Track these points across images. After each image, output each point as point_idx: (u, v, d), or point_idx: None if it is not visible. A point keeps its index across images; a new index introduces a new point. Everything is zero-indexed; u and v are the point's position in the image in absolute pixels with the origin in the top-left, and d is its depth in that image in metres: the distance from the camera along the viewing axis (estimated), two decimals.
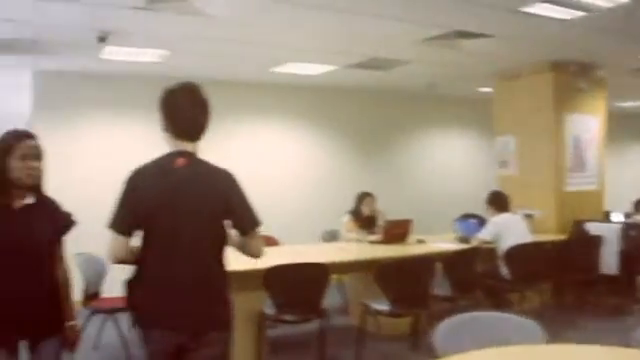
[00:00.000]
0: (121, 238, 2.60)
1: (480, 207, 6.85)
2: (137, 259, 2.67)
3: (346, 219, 7.15)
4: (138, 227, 2.63)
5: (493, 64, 7.86)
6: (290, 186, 9.06)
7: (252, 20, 5.67)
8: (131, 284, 2.71)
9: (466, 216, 7.64)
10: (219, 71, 7.90)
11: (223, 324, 2.74)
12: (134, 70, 7.64)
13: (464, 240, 6.47)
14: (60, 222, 2.94)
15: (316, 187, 9.24)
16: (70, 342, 2.95)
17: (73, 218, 2.98)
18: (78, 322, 3.03)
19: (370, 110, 9.88)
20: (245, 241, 2.79)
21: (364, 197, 7.22)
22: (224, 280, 2.77)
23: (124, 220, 2.61)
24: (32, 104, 7.89)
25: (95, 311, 5.30)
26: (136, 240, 2.67)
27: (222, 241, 2.76)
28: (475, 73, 8.38)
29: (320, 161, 9.46)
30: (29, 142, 2.80)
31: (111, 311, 5.40)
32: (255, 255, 2.85)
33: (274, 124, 9.18)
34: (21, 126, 3.07)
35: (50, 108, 7.72)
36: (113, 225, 2.60)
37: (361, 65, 7.69)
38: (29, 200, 2.82)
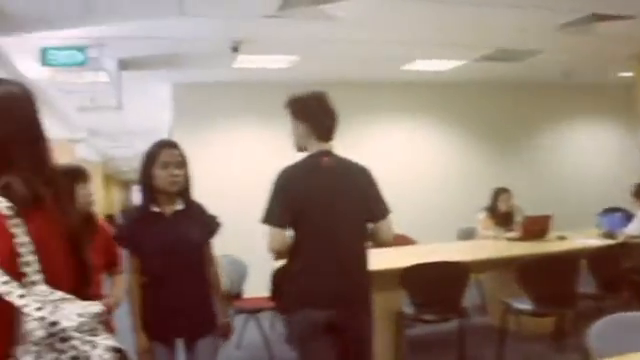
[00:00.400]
0: (278, 230, 2.85)
1: (625, 200, 6.46)
2: (291, 250, 2.90)
3: (482, 216, 6.98)
4: (292, 221, 2.86)
5: (633, 46, 7.38)
6: (423, 185, 8.94)
7: (381, 19, 5.67)
8: (287, 273, 2.96)
9: (610, 210, 7.21)
10: (347, 73, 7.96)
11: (370, 308, 3.05)
12: (265, 77, 7.87)
13: (609, 235, 6.11)
14: (208, 225, 3.08)
15: (449, 185, 9.07)
16: (224, 336, 3.11)
17: (219, 221, 3.12)
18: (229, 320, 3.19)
19: (501, 103, 9.57)
20: (378, 228, 3.05)
21: (500, 193, 7.00)
22: (368, 266, 3.07)
23: (279, 214, 2.87)
24: (172, 116, 8.34)
25: (238, 311, 5.50)
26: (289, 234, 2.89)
27: (365, 230, 3.05)
28: (614, 57, 7.91)
29: (452, 158, 9.28)
30: (171, 151, 2.97)
31: (253, 311, 5.60)
32: (387, 241, 3.12)
33: (404, 123, 9.11)
34: (163, 137, 3.27)
35: (188, 119, 8.11)
36: (270, 220, 2.87)
37: (491, 57, 7.48)
38: (179, 206, 2.97)
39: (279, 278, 2.96)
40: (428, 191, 8.91)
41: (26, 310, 1.26)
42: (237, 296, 5.65)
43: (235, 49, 6.26)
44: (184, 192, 3.00)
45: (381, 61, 7.46)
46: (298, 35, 6.05)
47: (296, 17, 5.32)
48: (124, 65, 6.72)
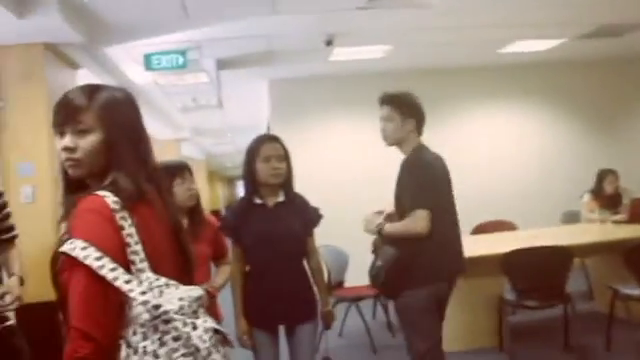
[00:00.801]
0: (428, 214, 3.06)
1: None
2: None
3: (587, 199, 6.75)
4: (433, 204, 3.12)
5: None
6: (525, 169, 8.71)
7: (476, 3, 5.60)
8: (418, 251, 3.14)
9: None
10: (441, 59, 7.90)
11: None
12: (359, 68, 7.93)
13: None
14: (309, 217, 3.18)
15: (552, 168, 8.78)
16: (326, 326, 3.22)
17: (320, 213, 3.22)
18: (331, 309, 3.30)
19: (602, 82, 9.12)
20: None
21: (606, 175, 6.74)
22: None
23: (431, 199, 3.10)
24: (270, 111, 8.57)
25: (339, 300, 5.61)
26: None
27: None
28: None
29: (554, 140, 8.96)
30: (272, 145, 3.08)
31: (355, 299, 5.69)
32: None
33: (502, 107, 8.90)
34: (263, 132, 3.41)
35: (285, 113, 8.31)
36: (425, 204, 3.08)
37: (592, 34, 7.19)
38: (280, 198, 3.10)
39: (397, 264, 3.08)
40: (530, 175, 8.68)
41: (132, 294, 1.39)
42: (339, 285, 5.78)
43: (329, 43, 6.37)
44: (286, 184, 3.11)
45: (477, 45, 7.34)
46: (390, 25, 6.06)
47: (388, 7, 5.35)
48: (222, 65, 6.99)
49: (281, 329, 3.17)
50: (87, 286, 1.37)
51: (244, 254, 3.11)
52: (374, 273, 3.29)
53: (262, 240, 3.04)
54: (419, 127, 3.32)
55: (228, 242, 3.34)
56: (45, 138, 4.48)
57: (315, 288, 3.21)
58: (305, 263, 3.19)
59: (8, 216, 2.98)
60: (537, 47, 7.67)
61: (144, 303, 1.40)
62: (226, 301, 3.34)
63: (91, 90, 1.57)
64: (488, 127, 8.75)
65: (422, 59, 7.61)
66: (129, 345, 1.39)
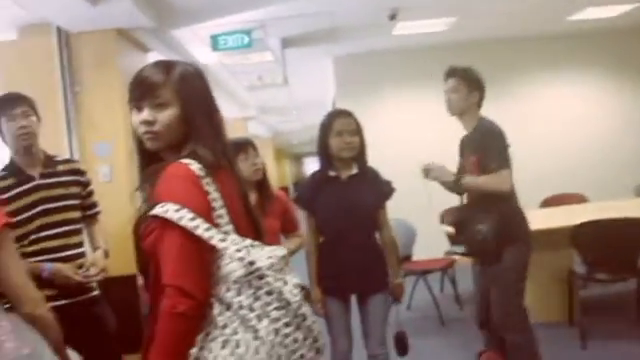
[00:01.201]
0: (511, 175, 3.31)
1: None
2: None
3: None
4: None
5: None
6: (596, 140, 8.44)
7: None
8: (514, 211, 3.43)
9: None
10: (507, 29, 7.73)
11: None
12: (423, 42, 7.87)
13: None
14: (382, 190, 3.25)
15: (625, 139, 8.49)
16: (396, 297, 3.28)
17: (392, 186, 3.28)
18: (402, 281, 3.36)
19: None
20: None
21: None
22: None
23: (509, 159, 3.31)
24: (335, 88, 8.62)
25: (407, 273, 5.65)
26: None
27: None
28: None
29: (627, 110, 8.65)
30: (344, 119, 3.17)
31: (423, 272, 5.73)
32: None
33: (571, 76, 8.63)
34: (329, 109, 3.46)
35: (351, 89, 8.32)
36: (507, 164, 3.30)
37: None
38: (354, 171, 3.18)
39: (501, 224, 3.32)
40: (602, 147, 8.43)
41: (228, 252, 1.48)
42: (406, 259, 5.81)
43: (393, 17, 6.35)
44: (359, 158, 3.19)
45: (546, 13, 7.15)
46: None
47: None
48: (287, 43, 7.07)
49: (353, 299, 3.25)
50: (183, 246, 1.45)
51: (318, 226, 3.22)
52: (480, 237, 3.35)
53: (336, 212, 3.14)
54: (481, 101, 3.49)
55: (299, 216, 3.44)
56: (120, 119, 4.65)
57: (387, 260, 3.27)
58: (378, 236, 3.26)
59: (91, 194, 3.15)
60: (608, 13, 7.40)
61: (240, 259, 1.48)
62: (296, 270, 3.44)
63: (166, 66, 1.65)
64: (556, 98, 8.53)
65: (487, 30, 7.47)
66: (221, 302, 1.48)
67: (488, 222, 3.31)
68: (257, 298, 1.48)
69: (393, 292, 3.28)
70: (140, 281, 1.60)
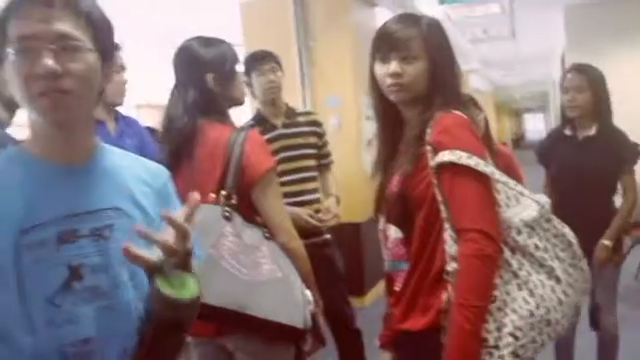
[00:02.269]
0: None
1: None
2: None
3: None
4: None
5: None
6: None
7: None
8: None
9: None
10: None
11: None
12: None
13: None
14: (623, 153, 3.01)
15: None
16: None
17: (638, 149, 3.03)
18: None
19: None
20: None
21: None
22: None
23: None
24: (565, 40, 8.16)
25: (637, 241, 5.27)
26: None
27: None
28: None
29: None
30: (571, 75, 3.05)
31: None
32: None
33: None
34: (556, 62, 3.30)
35: (582, 41, 7.77)
36: None
37: None
38: (592, 132, 3.01)
39: None
40: None
41: (522, 197, 1.56)
42: (635, 225, 5.42)
43: None
44: (597, 117, 3.01)
45: None
46: None
47: None
48: None
49: None
50: (481, 190, 1.50)
51: (552, 182, 3.20)
52: None
53: (566, 171, 3.07)
54: None
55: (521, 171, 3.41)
56: (349, 73, 4.87)
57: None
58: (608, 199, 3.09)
59: (326, 144, 3.37)
60: None
61: (537, 202, 1.55)
62: None
63: (414, 20, 1.66)
64: None
65: None
66: (511, 245, 1.52)
67: None
68: (547, 240, 1.54)
69: (597, 253, 3.00)
70: (381, 225, 1.67)
